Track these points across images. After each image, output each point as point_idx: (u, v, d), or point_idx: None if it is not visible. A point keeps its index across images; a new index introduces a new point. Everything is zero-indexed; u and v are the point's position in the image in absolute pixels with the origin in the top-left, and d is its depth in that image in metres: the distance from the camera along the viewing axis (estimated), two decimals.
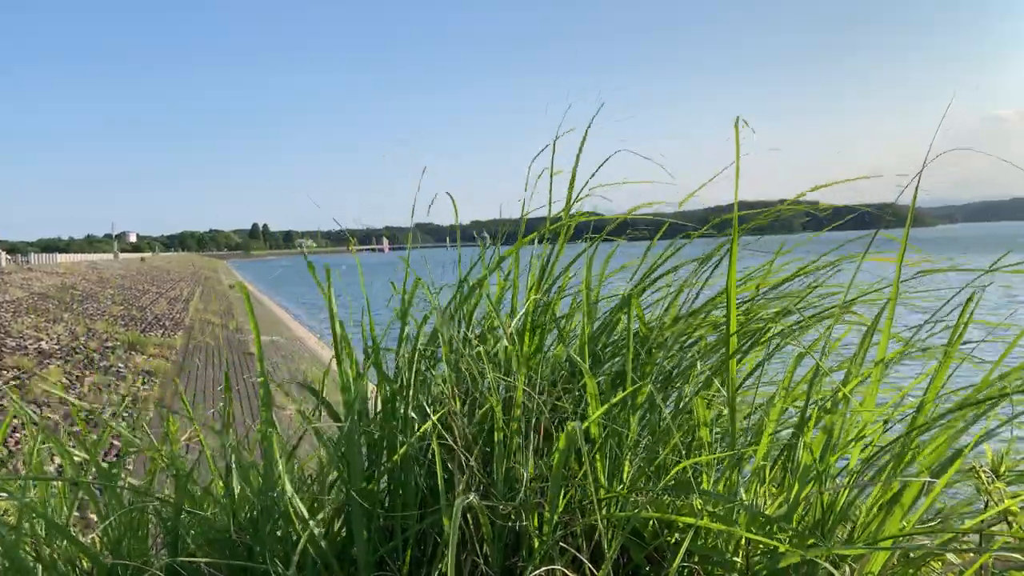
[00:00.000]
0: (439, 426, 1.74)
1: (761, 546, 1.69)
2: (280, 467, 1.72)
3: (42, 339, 17.34)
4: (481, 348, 1.89)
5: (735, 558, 1.72)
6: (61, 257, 73.22)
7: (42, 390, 11.76)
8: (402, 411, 1.89)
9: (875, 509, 1.70)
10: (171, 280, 52.52)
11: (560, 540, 1.74)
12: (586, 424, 1.74)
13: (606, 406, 1.77)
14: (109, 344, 18.02)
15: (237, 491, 1.90)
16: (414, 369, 1.88)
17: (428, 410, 1.79)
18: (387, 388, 1.94)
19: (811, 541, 1.63)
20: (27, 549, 1.86)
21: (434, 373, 1.97)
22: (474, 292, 2.08)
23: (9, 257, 54.88)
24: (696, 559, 1.75)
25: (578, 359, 1.82)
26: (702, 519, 1.69)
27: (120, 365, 15.59)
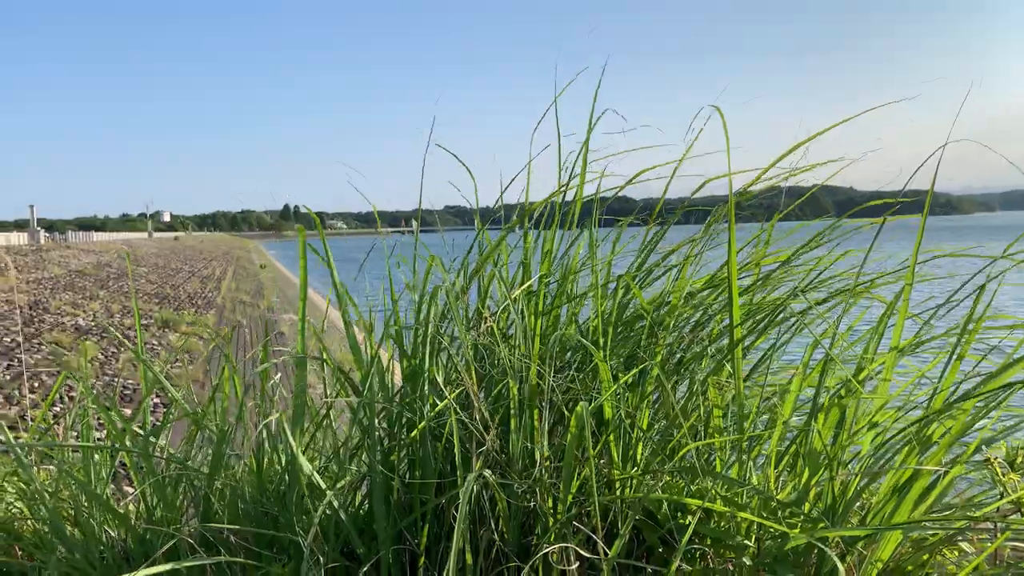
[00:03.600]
0: (454, 405, 1.77)
1: (772, 530, 1.71)
2: (292, 440, 1.77)
3: (79, 316, 17.71)
4: (494, 325, 1.92)
5: (746, 541, 1.74)
6: (97, 235, 74.46)
7: (78, 365, 12.04)
8: (420, 387, 1.92)
9: (886, 496, 1.71)
10: (203, 260, 53.19)
11: (574, 520, 1.77)
12: (594, 406, 1.77)
13: (615, 386, 1.80)
14: (143, 322, 18.36)
15: (265, 463, 1.96)
16: (430, 346, 1.91)
17: (444, 390, 1.83)
18: (408, 364, 1.97)
19: (822, 525, 1.64)
20: (66, 515, 1.94)
21: (452, 351, 2.00)
22: (482, 268, 2.10)
23: (47, 235, 55.94)
24: (708, 542, 1.77)
25: (587, 342, 1.84)
26: (714, 502, 1.72)
27: (154, 342, 15.90)
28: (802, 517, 1.70)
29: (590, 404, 1.70)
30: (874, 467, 1.74)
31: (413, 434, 1.88)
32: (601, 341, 1.89)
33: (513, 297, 1.93)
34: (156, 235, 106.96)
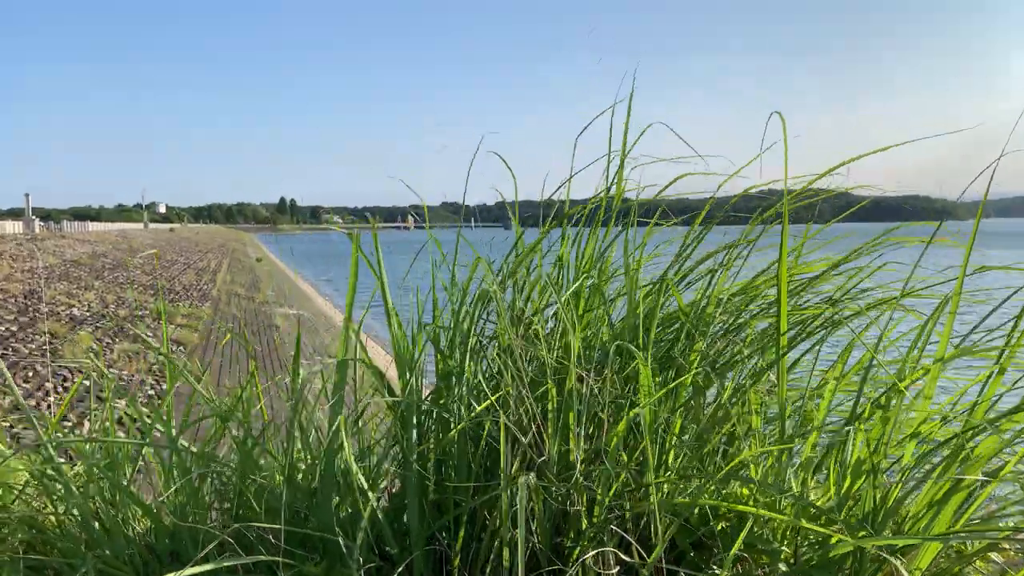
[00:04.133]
0: (496, 406, 1.75)
1: (811, 536, 1.70)
2: (344, 438, 1.74)
3: (74, 306, 17.69)
4: (539, 327, 1.91)
5: (783, 547, 1.73)
6: (92, 225, 74.20)
7: (73, 355, 12.04)
8: (456, 388, 1.91)
9: (925, 505, 1.70)
10: (199, 251, 53.09)
11: (609, 523, 1.76)
12: (634, 412, 1.76)
13: (662, 391, 1.78)
14: (138, 313, 18.34)
15: (297, 459, 1.93)
16: (469, 346, 1.89)
17: (487, 390, 1.82)
18: (444, 364, 1.95)
19: (863, 533, 1.63)
20: (93, 508, 1.93)
21: (493, 353, 1.99)
22: (520, 266, 2.08)
23: (43, 224, 55.74)
24: (743, 547, 1.74)
25: (632, 347, 1.82)
26: (755, 508, 1.71)
27: (149, 334, 15.89)
28: (841, 523, 1.67)
29: (628, 408, 1.70)
30: (915, 477, 1.73)
31: (451, 434, 1.85)
32: (641, 344, 1.87)
33: (564, 298, 1.92)
34: (152, 226, 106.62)
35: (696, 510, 1.79)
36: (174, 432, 2.02)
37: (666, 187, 2.10)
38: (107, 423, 2.16)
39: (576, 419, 1.78)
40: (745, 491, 1.79)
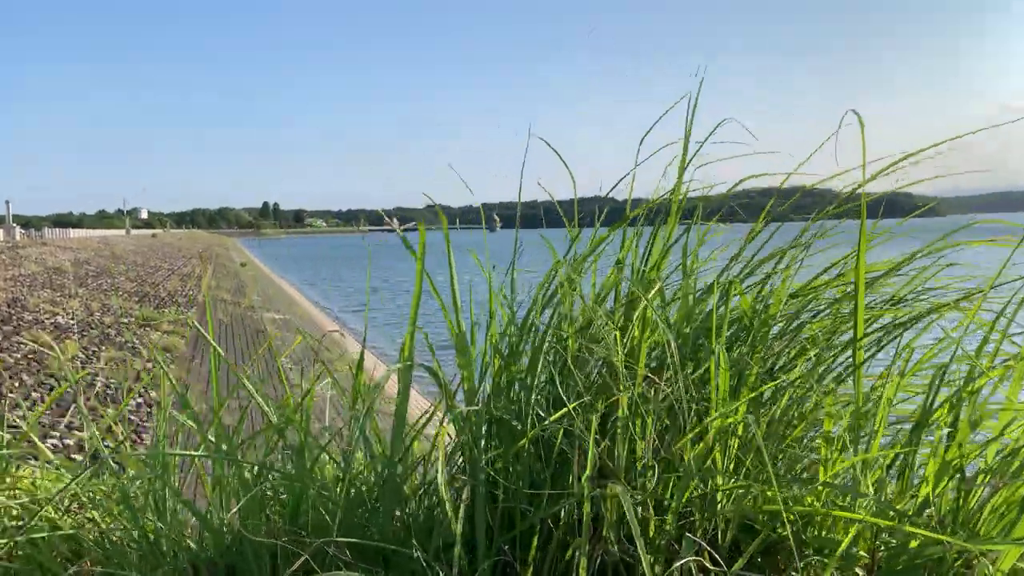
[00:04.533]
0: (574, 413, 1.70)
1: (889, 540, 1.67)
2: (439, 452, 1.68)
3: (58, 314, 17.55)
4: (617, 333, 1.83)
5: (862, 552, 1.69)
6: (74, 232, 73.55)
7: (59, 364, 11.95)
8: (522, 395, 1.85)
9: (1004, 506, 1.67)
10: (183, 257, 52.76)
11: (683, 531, 1.71)
12: (713, 419, 1.72)
13: (743, 400, 1.74)
14: (124, 320, 18.23)
15: (357, 468, 1.88)
16: (538, 351, 1.84)
17: (565, 398, 1.75)
18: (504, 370, 1.89)
19: (947, 536, 1.57)
20: (148, 522, 1.88)
21: (562, 357, 1.91)
22: (581, 266, 2.00)
23: (23, 231, 55.22)
24: (813, 551, 1.71)
25: (719, 350, 1.75)
26: (832, 510, 1.68)
27: (135, 341, 15.79)
28: (923, 526, 1.62)
29: (694, 413, 1.67)
30: (998, 478, 1.68)
31: (522, 443, 1.79)
32: (715, 347, 1.80)
33: (650, 297, 1.85)
34: (134, 232, 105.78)
35: (760, 514, 1.75)
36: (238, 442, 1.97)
37: (736, 185, 2.06)
38: (160, 436, 2.08)
39: (642, 426, 1.73)
40: (812, 498, 1.74)
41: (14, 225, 53.29)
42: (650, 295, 1.86)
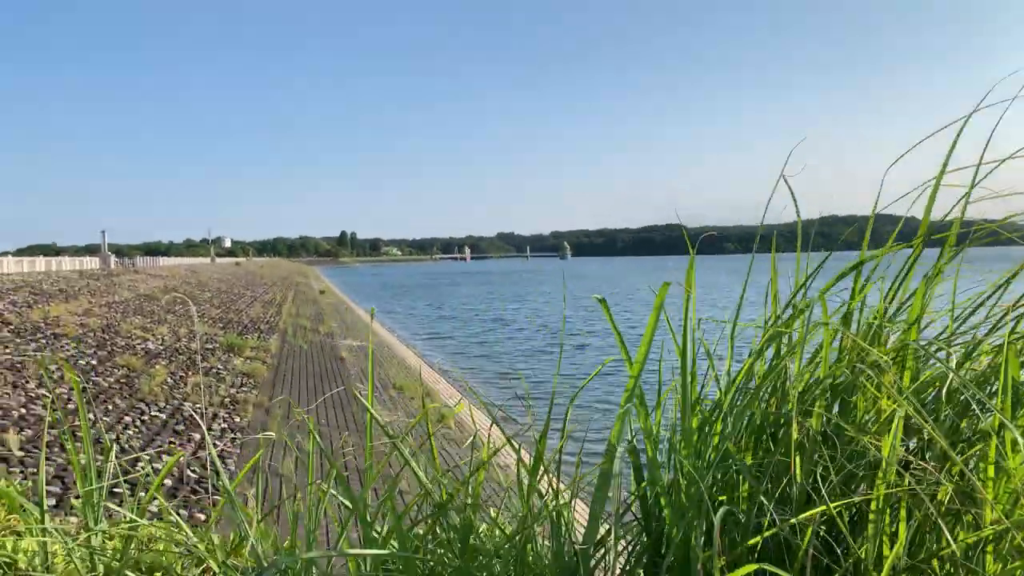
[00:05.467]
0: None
1: None
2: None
3: (148, 339, 18.17)
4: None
5: None
6: (163, 260, 76.76)
7: (149, 388, 12.32)
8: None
9: None
10: (264, 284, 54.32)
11: None
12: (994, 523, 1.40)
13: None
14: (209, 346, 18.76)
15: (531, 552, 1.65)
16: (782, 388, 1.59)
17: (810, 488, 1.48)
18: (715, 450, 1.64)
19: None
20: None
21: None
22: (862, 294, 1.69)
23: (117, 260, 57.82)
24: None
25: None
26: None
27: (220, 366, 16.20)
28: None
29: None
30: None
31: (755, 540, 1.50)
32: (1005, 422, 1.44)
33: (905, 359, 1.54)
34: (218, 260, 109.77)
35: None
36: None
37: None
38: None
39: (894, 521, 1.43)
40: None
41: (109, 254, 55.91)
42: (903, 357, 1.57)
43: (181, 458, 8.29)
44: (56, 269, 41.21)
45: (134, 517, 1.95)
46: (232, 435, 10.62)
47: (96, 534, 1.95)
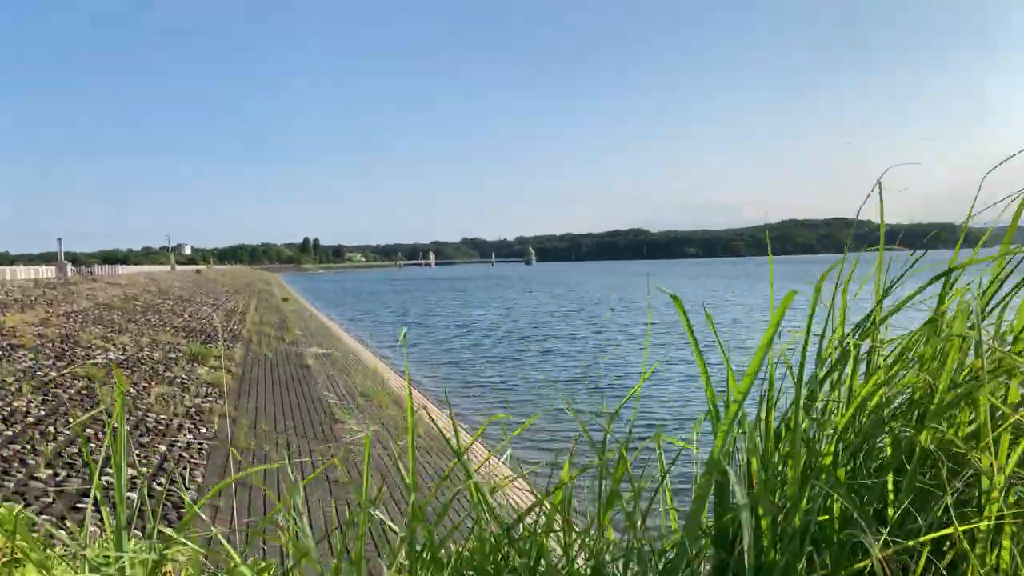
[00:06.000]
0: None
1: None
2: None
3: (109, 349, 17.81)
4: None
5: None
6: (122, 269, 75.30)
7: (111, 399, 12.07)
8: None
9: None
10: (226, 292, 53.55)
11: None
12: None
13: None
14: (172, 355, 18.46)
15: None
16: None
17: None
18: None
19: None
20: None
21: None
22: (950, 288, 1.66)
23: (74, 268, 56.59)
24: None
25: None
26: None
27: (183, 376, 15.95)
28: None
29: None
30: None
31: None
32: None
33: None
34: (179, 268, 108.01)
35: None
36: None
37: None
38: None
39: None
40: None
41: (66, 262, 54.71)
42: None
43: (146, 472, 8.17)
44: (10, 278, 40.20)
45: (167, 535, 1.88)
46: (199, 445, 10.46)
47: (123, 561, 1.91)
